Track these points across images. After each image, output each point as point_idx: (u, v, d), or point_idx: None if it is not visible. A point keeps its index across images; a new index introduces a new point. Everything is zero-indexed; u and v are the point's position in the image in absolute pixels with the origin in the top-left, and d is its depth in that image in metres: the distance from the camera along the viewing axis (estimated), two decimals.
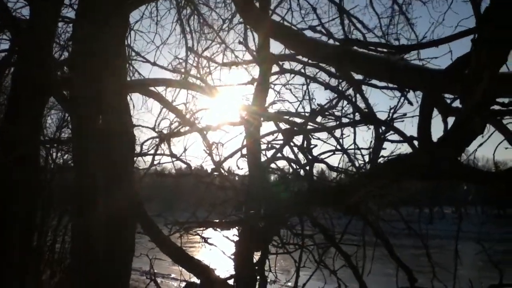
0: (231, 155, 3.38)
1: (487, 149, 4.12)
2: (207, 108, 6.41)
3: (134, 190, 4.42)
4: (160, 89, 6.94)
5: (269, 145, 3.23)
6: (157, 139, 4.72)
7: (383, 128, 3.05)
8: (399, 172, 2.21)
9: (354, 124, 3.06)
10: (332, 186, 2.72)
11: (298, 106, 4.46)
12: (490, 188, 2.23)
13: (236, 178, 3.86)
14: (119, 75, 4.87)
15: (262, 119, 3.36)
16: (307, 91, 3.94)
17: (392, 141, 2.91)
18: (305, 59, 3.58)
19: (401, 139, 2.85)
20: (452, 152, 2.07)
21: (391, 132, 3.01)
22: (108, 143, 4.11)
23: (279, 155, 3.29)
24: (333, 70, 3.71)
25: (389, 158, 2.52)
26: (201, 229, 3.57)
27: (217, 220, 3.52)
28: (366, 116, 2.84)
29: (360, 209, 2.80)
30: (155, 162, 4.52)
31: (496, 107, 2.36)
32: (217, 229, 3.13)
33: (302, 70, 3.94)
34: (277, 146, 3.27)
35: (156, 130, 6.55)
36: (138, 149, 5.77)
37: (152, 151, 4.91)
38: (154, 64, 5.22)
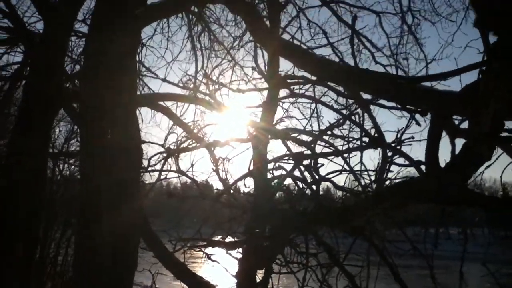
0: (240, 179, 3.39)
1: (495, 170, 4.10)
2: (215, 123, 6.46)
3: (140, 205, 4.43)
4: (169, 103, 7.01)
5: (277, 165, 3.23)
6: (165, 154, 4.74)
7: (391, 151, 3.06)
8: (405, 196, 2.22)
9: (362, 148, 3.06)
10: (338, 207, 2.73)
11: (306, 124, 4.49)
12: (497, 213, 2.23)
13: (242, 194, 3.86)
14: (129, 90, 4.93)
15: (269, 136, 3.38)
16: (315, 109, 3.97)
17: (399, 165, 2.91)
18: (313, 78, 3.61)
19: (408, 163, 2.84)
20: (460, 177, 2.07)
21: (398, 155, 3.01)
22: (115, 157, 4.14)
23: (283, 171, 3.30)
24: (341, 89, 3.74)
25: (396, 182, 2.52)
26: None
27: (221, 240, 3.51)
28: (374, 140, 2.84)
29: (364, 230, 2.79)
30: (162, 177, 4.54)
31: (504, 133, 2.37)
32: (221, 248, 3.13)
33: (311, 89, 3.97)
34: (284, 166, 3.28)
35: (164, 145, 6.60)
36: (145, 163, 5.80)
37: (159, 166, 4.94)
38: (164, 80, 5.28)
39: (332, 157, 3.01)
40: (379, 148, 2.97)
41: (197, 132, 6.67)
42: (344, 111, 3.84)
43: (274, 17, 3.57)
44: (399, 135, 2.97)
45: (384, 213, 2.64)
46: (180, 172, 4.01)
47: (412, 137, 3.00)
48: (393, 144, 2.94)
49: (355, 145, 3.27)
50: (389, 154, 2.98)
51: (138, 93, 6.91)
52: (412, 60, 8.78)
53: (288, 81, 3.46)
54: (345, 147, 3.39)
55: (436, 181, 2.09)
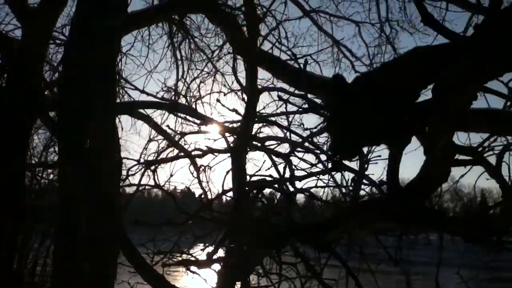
0: (217, 196, 3.40)
1: (473, 176, 4.21)
2: (196, 132, 6.44)
3: (119, 216, 4.39)
4: (149, 111, 6.98)
5: (255, 176, 3.26)
6: (143, 165, 4.72)
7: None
8: (369, 216, 2.28)
9: (323, 172, 3.13)
10: (309, 223, 2.80)
11: (285, 134, 4.53)
12: (457, 234, 2.32)
13: (216, 213, 3.86)
14: (108, 99, 4.90)
15: (248, 148, 3.40)
16: (291, 120, 4.00)
17: (364, 184, 2.97)
18: (292, 89, 3.66)
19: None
20: (418, 199, 2.15)
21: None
22: (94, 167, 4.11)
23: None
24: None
25: (360, 202, 2.60)
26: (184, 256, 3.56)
27: (195, 259, 3.50)
28: (337, 164, 2.90)
29: (332, 246, 2.85)
30: (141, 188, 4.51)
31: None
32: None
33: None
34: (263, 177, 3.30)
35: (143, 153, 6.55)
36: (124, 172, 5.76)
37: (138, 176, 4.91)
38: (142, 91, 5.26)
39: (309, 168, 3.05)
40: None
41: (178, 140, 6.65)
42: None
43: (253, 28, 3.61)
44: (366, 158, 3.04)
45: (351, 231, 2.70)
46: (157, 186, 3.99)
47: (380, 155, 3.09)
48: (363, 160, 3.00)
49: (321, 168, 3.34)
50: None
51: (118, 101, 6.87)
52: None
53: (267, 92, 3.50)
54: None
55: (396, 202, 2.17)
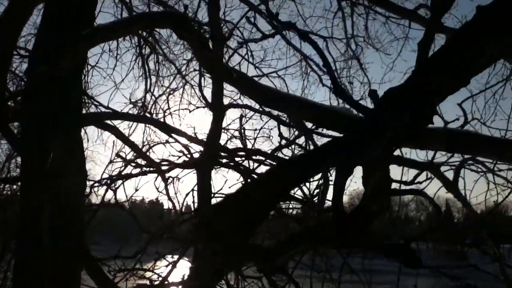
0: (184, 220, 3.40)
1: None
2: (164, 142, 6.41)
3: (82, 231, 4.32)
4: (116, 122, 6.90)
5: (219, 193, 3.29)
6: (107, 180, 4.66)
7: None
8: (315, 241, 2.38)
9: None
10: (261, 245, 2.88)
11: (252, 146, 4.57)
12: (395, 259, 2.45)
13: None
14: (73, 110, 4.84)
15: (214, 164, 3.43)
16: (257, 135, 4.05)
17: (314, 211, 3.06)
18: (257, 107, 3.72)
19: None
20: (359, 226, 2.27)
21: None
22: (57, 181, 4.04)
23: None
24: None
25: (309, 227, 2.69)
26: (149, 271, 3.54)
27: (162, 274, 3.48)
28: (287, 196, 2.98)
29: (283, 268, 2.93)
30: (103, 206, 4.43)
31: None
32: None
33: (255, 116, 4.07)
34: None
35: (110, 166, 6.46)
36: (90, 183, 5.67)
37: (103, 190, 4.83)
38: (107, 107, 5.20)
39: None
40: None
41: (146, 152, 6.60)
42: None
43: (218, 47, 3.65)
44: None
45: (299, 254, 2.81)
46: (117, 204, 3.95)
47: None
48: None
49: None
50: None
51: (84, 111, 6.77)
52: (357, 83, 9.12)
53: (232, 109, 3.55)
54: None
55: (339, 229, 2.28)
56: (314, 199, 3.39)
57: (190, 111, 5.02)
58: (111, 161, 4.93)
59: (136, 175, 4.56)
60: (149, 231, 3.62)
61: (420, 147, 3.24)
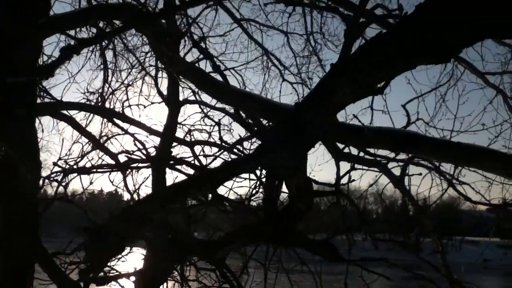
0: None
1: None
2: (122, 133, 6.34)
3: (37, 222, 4.27)
4: (72, 112, 6.77)
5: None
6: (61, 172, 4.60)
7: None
8: (251, 237, 2.51)
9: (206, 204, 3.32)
10: (203, 240, 3.00)
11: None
12: (320, 254, 2.63)
13: None
14: (27, 100, 4.76)
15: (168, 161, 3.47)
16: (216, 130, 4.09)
17: (249, 213, 3.19)
18: (212, 103, 3.78)
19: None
20: (289, 224, 2.41)
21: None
22: (10, 173, 3.97)
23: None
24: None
25: (246, 224, 2.82)
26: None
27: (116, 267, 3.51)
28: (220, 198, 3.10)
29: (224, 263, 3.06)
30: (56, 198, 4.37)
31: None
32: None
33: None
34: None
35: (66, 157, 6.36)
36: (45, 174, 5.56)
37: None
38: (59, 102, 5.12)
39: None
40: None
41: (104, 143, 6.53)
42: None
43: (174, 43, 3.68)
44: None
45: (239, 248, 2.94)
46: (67, 200, 3.92)
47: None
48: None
49: None
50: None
51: (39, 101, 6.63)
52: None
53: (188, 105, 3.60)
54: None
55: (272, 227, 2.41)
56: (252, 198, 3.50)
57: (145, 107, 5.00)
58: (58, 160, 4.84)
59: (90, 169, 4.52)
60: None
61: (366, 145, 3.41)
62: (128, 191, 5.45)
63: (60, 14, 4.57)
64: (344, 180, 3.28)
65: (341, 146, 3.67)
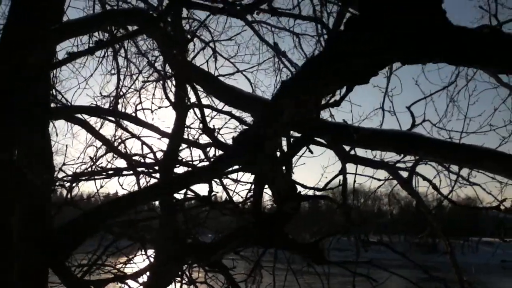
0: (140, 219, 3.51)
1: None
2: (136, 136, 6.43)
3: (51, 226, 4.34)
4: (86, 116, 6.89)
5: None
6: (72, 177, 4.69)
7: None
8: (241, 240, 2.56)
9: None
10: (197, 244, 3.08)
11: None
12: (306, 256, 2.67)
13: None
14: (41, 105, 4.85)
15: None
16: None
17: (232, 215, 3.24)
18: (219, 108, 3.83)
19: None
20: (276, 227, 2.46)
21: None
22: (24, 177, 4.06)
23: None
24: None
25: (239, 227, 2.88)
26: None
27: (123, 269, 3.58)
28: (204, 199, 3.15)
29: (220, 265, 3.11)
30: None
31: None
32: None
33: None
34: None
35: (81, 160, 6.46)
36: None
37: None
38: (73, 106, 5.22)
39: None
40: None
41: (117, 146, 6.62)
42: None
43: (182, 46, 3.73)
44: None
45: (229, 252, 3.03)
46: (73, 204, 3.98)
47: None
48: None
49: None
50: None
51: (53, 105, 6.75)
52: None
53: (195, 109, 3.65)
54: None
55: (260, 230, 2.46)
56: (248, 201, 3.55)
57: (152, 111, 5.07)
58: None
59: (98, 173, 4.59)
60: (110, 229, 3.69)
61: (369, 148, 3.42)
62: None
63: (74, 20, 4.67)
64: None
65: (347, 148, 3.69)
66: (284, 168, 2.52)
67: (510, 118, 5.19)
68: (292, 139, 2.56)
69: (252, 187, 2.99)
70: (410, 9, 1.96)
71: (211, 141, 3.54)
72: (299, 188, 2.59)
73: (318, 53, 2.29)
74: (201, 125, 3.41)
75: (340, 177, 3.49)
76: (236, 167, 2.53)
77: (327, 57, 2.14)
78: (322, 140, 3.76)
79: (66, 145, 6.19)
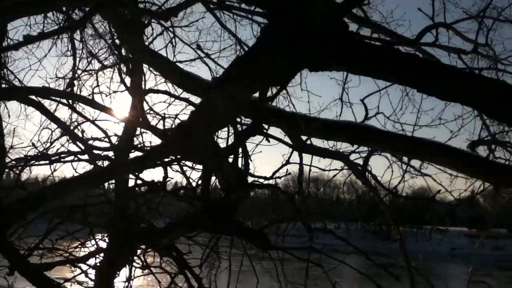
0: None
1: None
2: (92, 120, 6.27)
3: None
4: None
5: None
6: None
7: None
8: (190, 226, 2.61)
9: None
10: (147, 228, 3.09)
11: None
12: (252, 242, 2.76)
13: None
14: None
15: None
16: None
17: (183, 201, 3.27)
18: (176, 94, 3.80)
19: None
20: (223, 214, 2.53)
21: None
22: None
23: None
24: None
25: (186, 214, 2.92)
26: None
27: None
28: (154, 185, 3.17)
29: (172, 250, 3.16)
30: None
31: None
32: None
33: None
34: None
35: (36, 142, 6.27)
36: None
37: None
38: (26, 87, 5.04)
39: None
40: None
41: (73, 129, 6.44)
42: None
43: (139, 31, 3.65)
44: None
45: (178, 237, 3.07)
46: (23, 188, 3.85)
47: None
48: None
49: None
50: None
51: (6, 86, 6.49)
52: None
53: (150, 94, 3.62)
54: None
55: (207, 216, 2.52)
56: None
57: (106, 95, 4.96)
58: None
59: (51, 156, 4.46)
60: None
61: (324, 138, 3.50)
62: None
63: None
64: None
65: (304, 138, 3.75)
66: (230, 157, 2.57)
67: (461, 114, 5.43)
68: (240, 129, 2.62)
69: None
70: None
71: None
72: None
73: (243, 54, 2.50)
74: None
75: (288, 166, 3.57)
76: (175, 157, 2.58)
77: (249, 59, 2.25)
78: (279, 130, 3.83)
79: (14, 128, 5.92)
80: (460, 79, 2.20)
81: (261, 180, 2.91)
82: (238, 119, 3.12)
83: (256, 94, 2.46)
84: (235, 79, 2.25)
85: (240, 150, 3.31)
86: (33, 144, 5.44)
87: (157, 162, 2.70)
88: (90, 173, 3.08)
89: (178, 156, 2.76)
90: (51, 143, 6.31)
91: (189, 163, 3.69)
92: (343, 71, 2.52)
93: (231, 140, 3.13)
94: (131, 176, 3.24)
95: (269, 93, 2.41)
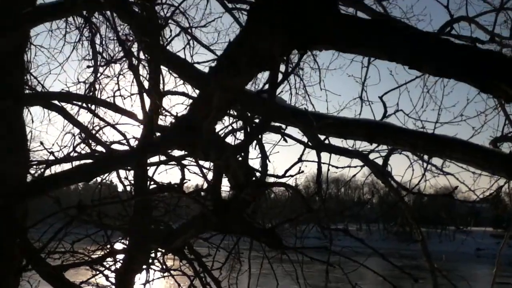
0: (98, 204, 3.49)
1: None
2: (113, 124, 6.34)
3: (24, 212, 4.28)
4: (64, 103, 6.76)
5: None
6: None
7: None
8: (201, 227, 2.58)
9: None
10: (164, 230, 3.08)
11: None
12: (263, 242, 2.72)
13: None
14: (14, 90, 4.77)
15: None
16: None
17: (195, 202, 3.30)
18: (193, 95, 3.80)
19: None
20: (234, 213, 2.49)
21: None
22: None
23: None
24: None
25: (197, 215, 2.90)
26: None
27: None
28: (169, 187, 3.16)
29: (183, 251, 3.14)
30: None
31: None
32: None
33: None
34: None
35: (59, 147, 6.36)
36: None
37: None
38: (49, 92, 5.13)
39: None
40: None
41: (96, 133, 6.52)
42: None
43: (156, 33, 3.69)
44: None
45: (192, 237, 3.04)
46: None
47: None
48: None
49: None
50: None
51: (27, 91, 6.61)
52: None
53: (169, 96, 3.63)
54: None
55: (219, 217, 2.49)
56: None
57: (124, 98, 5.00)
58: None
59: (71, 159, 4.51)
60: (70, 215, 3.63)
61: (342, 136, 3.46)
62: (121, 181, 5.46)
63: (46, 3, 4.57)
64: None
65: (322, 137, 3.72)
66: (240, 155, 2.55)
67: (484, 110, 5.29)
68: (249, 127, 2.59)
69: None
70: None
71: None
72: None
73: (232, 41, 2.41)
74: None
75: (308, 166, 3.53)
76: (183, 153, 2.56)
77: (235, 44, 2.25)
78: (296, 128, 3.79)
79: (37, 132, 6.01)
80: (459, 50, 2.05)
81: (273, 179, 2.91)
82: (250, 117, 3.12)
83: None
84: (224, 66, 2.21)
85: (259, 150, 3.30)
86: (51, 153, 5.53)
87: (157, 154, 2.68)
88: (87, 165, 3.07)
89: (181, 154, 2.73)
90: (75, 147, 6.41)
91: (206, 164, 3.70)
92: (330, 49, 2.38)
93: (237, 137, 3.13)
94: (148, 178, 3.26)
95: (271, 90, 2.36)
